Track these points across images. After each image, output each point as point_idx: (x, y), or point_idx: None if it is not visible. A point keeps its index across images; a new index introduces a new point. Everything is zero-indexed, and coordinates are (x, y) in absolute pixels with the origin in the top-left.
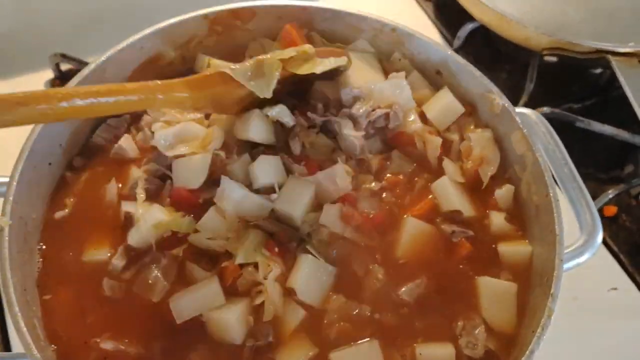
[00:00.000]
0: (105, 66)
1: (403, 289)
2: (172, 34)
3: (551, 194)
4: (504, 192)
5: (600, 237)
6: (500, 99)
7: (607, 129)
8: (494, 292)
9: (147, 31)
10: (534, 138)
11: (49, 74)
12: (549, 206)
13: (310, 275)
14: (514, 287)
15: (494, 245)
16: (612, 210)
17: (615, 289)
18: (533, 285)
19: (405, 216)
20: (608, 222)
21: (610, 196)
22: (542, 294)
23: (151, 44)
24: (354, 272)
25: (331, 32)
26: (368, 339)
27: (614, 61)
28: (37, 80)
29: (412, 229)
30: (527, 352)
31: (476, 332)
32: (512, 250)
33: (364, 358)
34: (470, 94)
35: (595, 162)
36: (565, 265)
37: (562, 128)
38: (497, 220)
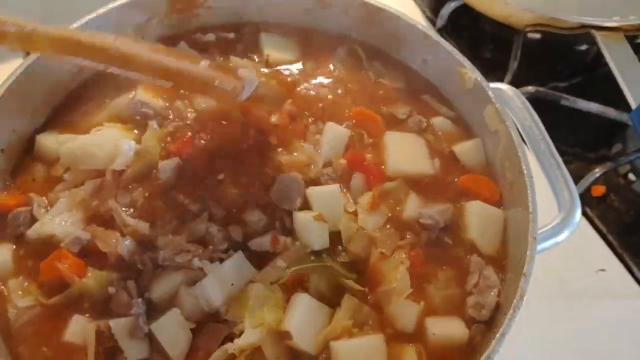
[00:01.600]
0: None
1: None
2: (128, 12)
3: (525, 171)
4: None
5: (578, 214)
6: (472, 73)
7: (593, 107)
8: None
9: (101, 10)
10: (510, 114)
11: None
12: (522, 183)
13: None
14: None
15: None
16: (600, 189)
17: (603, 270)
18: (508, 268)
19: None
20: (596, 202)
21: (598, 175)
22: (516, 274)
23: (107, 24)
24: None
25: None
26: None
27: (599, 36)
28: (8, 69)
29: None
30: (498, 335)
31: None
32: None
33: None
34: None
35: (582, 141)
36: (543, 245)
37: (548, 107)
38: None
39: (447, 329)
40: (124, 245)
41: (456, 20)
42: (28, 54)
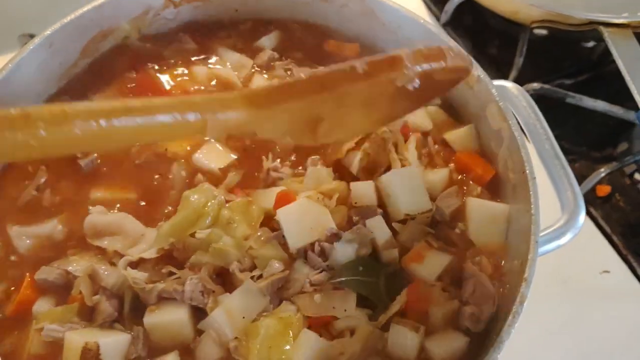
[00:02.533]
0: (53, 39)
1: None
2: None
3: (527, 171)
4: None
5: (582, 217)
6: (474, 70)
7: (599, 105)
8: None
9: (96, 2)
10: (514, 112)
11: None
12: (524, 184)
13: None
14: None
15: None
16: (605, 189)
17: (607, 271)
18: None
19: None
20: (601, 202)
21: (603, 174)
22: (516, 279)
23: (99, 16)
24: None
25: None
26: None
27: (607, 33)
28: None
29: None
30: (497, 341)
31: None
32: None
33: None
34: None
35: (588, 140)
36: (545, 248)
37: (553, 104)
38: None
39: (450, 345)
40: None
41: (461, 15)
42: None
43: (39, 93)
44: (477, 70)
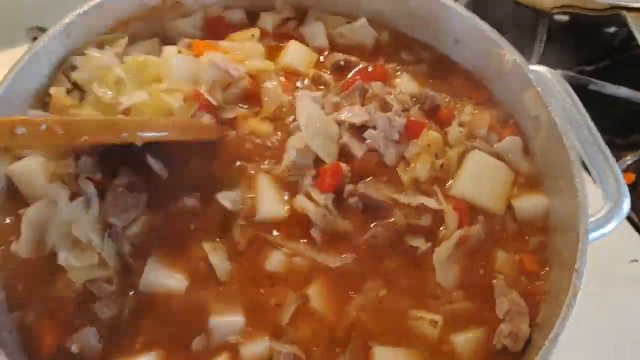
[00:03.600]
0: (70, 31)
1: None
2: None
3: (571, 158)
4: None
5: (627, 204)
6: (510, 55)
7: (622, 92)
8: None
9: None
10: (550, 98)
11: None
12: (567, 172)
13: None
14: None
15: None
16: (630, 177)
17: (635, 260)
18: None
19: None
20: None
21: (629, 162)
22: (564, 270)
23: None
24: None
25: None
26: None
27: (630, 17)
28: (16, 55)
29: None
30: (552, 335)
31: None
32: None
33: None
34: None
35: (612, 128)
36: (590, 236)
37: (575, 92)
38: None
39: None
40: None
41: (480, 1)
42: None
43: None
44: (514, 55)
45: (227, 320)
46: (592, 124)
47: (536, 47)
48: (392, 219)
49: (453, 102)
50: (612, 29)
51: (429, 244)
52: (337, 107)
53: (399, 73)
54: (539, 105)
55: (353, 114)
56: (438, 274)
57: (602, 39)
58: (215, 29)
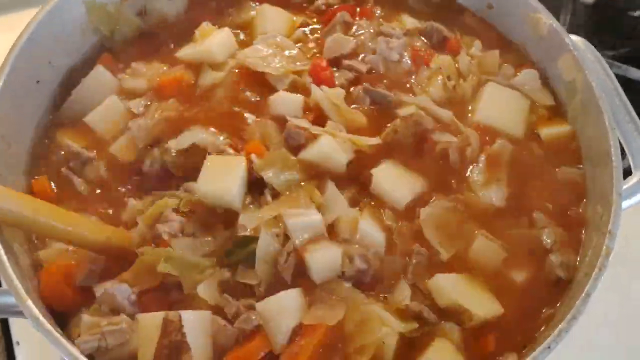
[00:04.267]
0: None
1: None
2: None
3: (607, 122)
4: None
5: None
6: (547, 19)
7: None
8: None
9: None
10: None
11: None
12: (603, 136)
13: None
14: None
15: None
16: None
17: None
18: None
19: None
20: None
21: None
22: (598, 233)
23: None
24: None
25: None
26: None
27: None
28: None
29: None
30: (583, 294)
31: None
32: None
33: None
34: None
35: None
36: (627, 202)
37: None
38: None
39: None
40: None
41: None
42: None
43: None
44: (551, 19)
45: None
46: (623, 94)
47: None
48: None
49: (461, 36)
50: (637, 13)
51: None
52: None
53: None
54: (575, 70)
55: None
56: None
57: (627, 23)
58: None
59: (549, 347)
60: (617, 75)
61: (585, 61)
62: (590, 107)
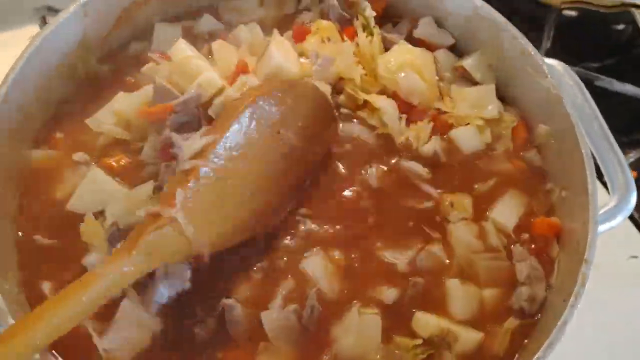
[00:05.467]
0: (87, 10)
1: None
2: None
3: (583, 150)
4: None
5: (634, 198)
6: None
7: (628, 89)
8: None
9: None
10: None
11: (35, 29)
12: (579, 164)
13: None
14: None
15: None
16: (632, 175)
17: (635, 257)
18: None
19: None
20: None
21: (632, 159)
22: (573, 259)
23: None
24: None
25: None
26: None
27: (639, 15)
28: (23, 35)
29: None
30: (560, 323)
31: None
32: None
33: None
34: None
35: (616, 125)
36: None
37: None
38: None
39: None
40: None
41: None
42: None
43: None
44: (528, 47)
45: None
46: (601, 118)
47: (543, 43)
48: None
49: None
50: (620, 26)
51: None
52: None
53: None
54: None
55: None
56: None
57: (610, 36)
58: None
59: None
60: (599, 88)
61: (564, 86)
62: (565, 133)
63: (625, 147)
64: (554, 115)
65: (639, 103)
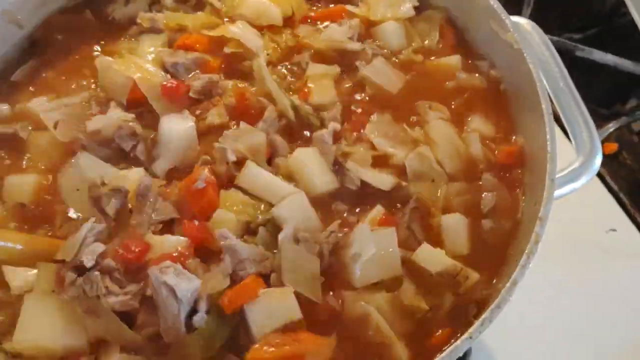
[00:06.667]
0: None
1: None
2: None
3: (543, 106)
4: None
5: (599, 158)
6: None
7: (609, 59)
8: None
9: None
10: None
11: None
12: (539, 121)
13: None
14: None
15: None
16: (612, 147)
17: (614, 230)
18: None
19: None
20: (608, 160)
21: (611, 129)
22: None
23: None
24: None
25: None
26: None
27: None
28: None
29: None
30: (509, 283)
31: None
32: None
33: None
34: None
35: (597, 96)
36: (560, 191)
37: (562, 58)
38: None
39: None
40: None
41: None
42: None
43: None
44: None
45: None
46: (568, 77)
47: (524, 12)
48: None
49: None
50: None
51: None
52: None
53: None
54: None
55: None
56: None
57: (592, 6)
58: None
59: (470, 338)
60: (580, 59)
61: (531, 43)
62: (528, 89)
63: (605, 119)
64: (518, 71)
65: (619, 74)
